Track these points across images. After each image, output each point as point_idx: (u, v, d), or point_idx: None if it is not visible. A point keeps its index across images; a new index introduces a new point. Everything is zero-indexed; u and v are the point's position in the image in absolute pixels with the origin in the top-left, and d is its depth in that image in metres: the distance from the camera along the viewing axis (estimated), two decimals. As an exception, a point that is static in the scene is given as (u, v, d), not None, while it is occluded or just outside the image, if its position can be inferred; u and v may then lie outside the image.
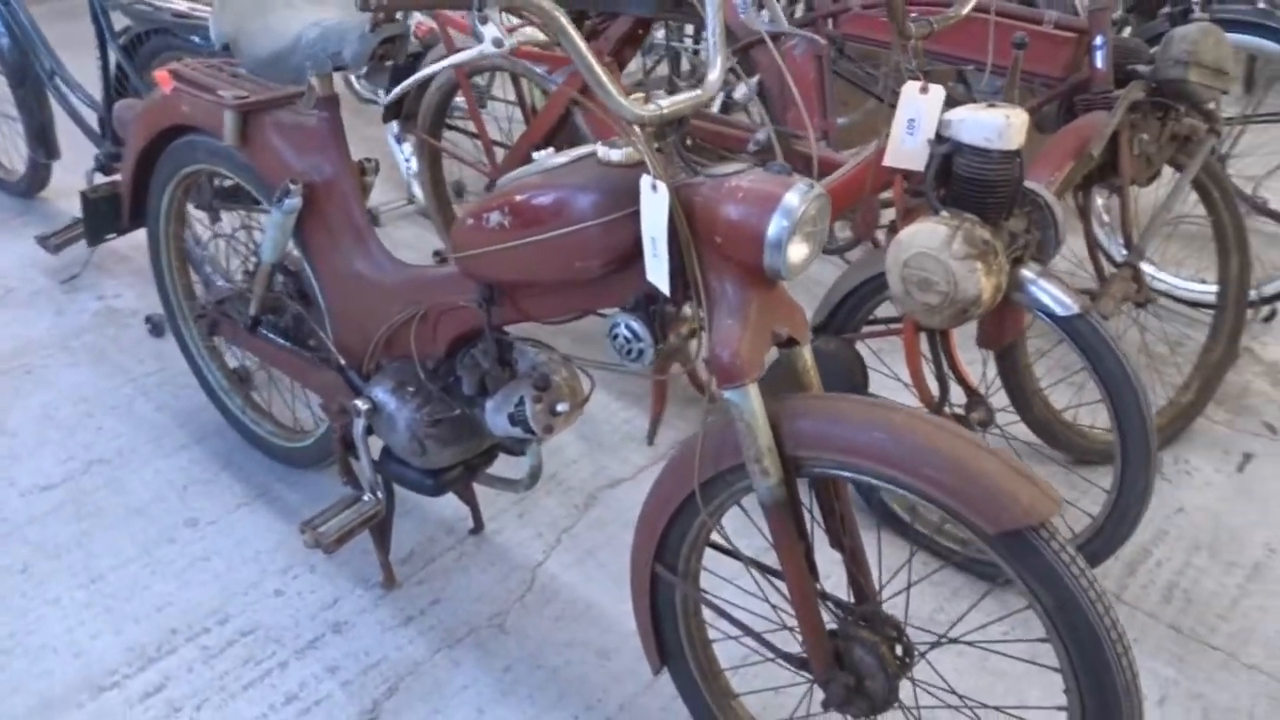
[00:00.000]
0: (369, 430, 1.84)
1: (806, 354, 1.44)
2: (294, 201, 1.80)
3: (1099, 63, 2.28)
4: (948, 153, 1.73)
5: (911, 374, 1.99)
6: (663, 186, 1.28)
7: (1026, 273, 1.83)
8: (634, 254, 1.38)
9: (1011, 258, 1.81)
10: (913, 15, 1.82)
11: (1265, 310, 3.00)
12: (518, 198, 1.44)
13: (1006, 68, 2.45)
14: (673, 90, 4.32)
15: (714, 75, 1.38)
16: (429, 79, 2.55)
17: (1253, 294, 2.85)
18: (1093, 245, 2.39)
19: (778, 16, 1.61)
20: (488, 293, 1.60)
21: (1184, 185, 2.34)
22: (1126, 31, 2.94)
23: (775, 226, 1.25)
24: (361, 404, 1.80)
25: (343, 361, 1.90)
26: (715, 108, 2.97)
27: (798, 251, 1.28)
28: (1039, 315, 1.84)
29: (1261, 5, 2.67)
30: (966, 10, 1.82)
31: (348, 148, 1.82)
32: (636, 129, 1.28)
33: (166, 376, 2.66)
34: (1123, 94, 2.21)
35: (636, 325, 1.43)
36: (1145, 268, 3.07)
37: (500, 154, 2.85)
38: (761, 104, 2.79)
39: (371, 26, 1.62)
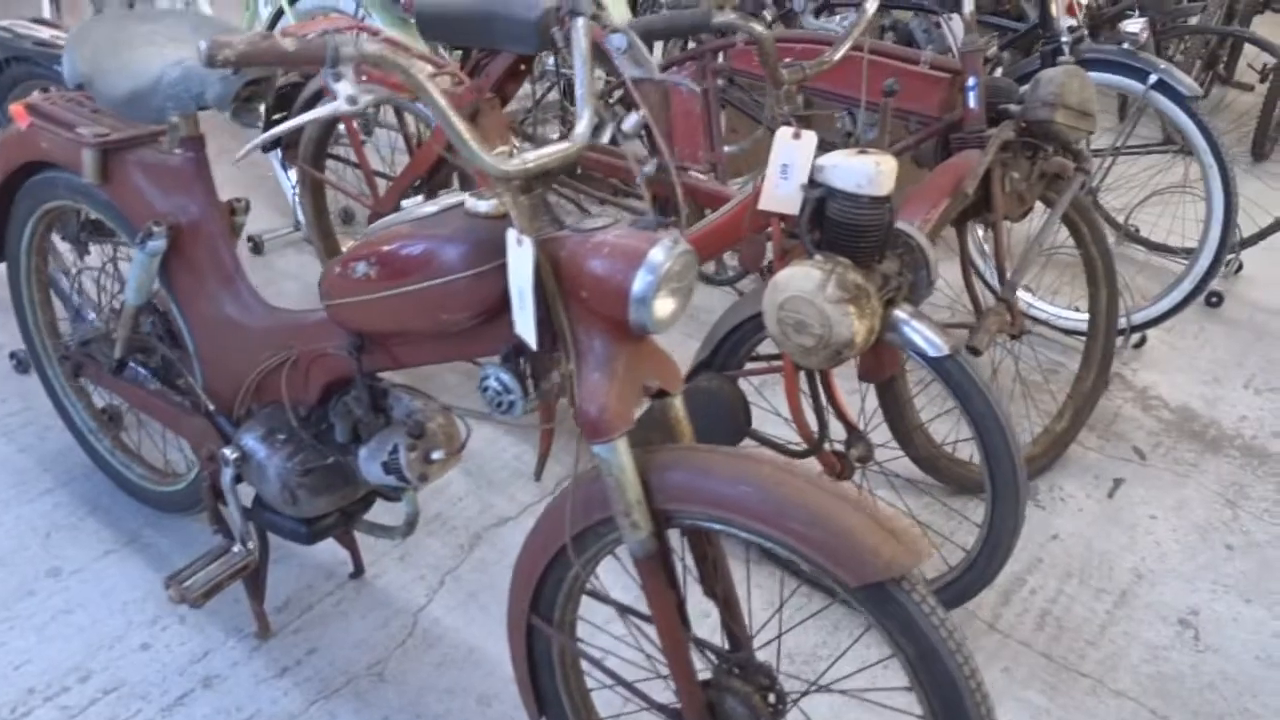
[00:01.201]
0: (238, 479, 1.79)
1: (678, 404, 1.45)
2: (157, 244, 1.74)
3: (972, 103, 2.34)
4: (821, 197, 1.76)
5: (792, 411, 2.01)
6: (528, 241, 1.27)
7: (899, 313, 1.86)
8: (503, 306, 1.36)
9: (884, 299, 1.84)
10: (786, 62, 1.84)
11: (1135, 337, 3.12)
12: (384, 248, 1.42)
13: (874, 102, 2.51)
14: (564, 118, 4.31)
15: (582, 126, 1.38)
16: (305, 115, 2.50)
17: (1123, 321, 2.97)
18: (969, 279, 2.45)
19: (646, 63, 1.61)
20: (358, 340, 1.57)
21: (1054, 221, 2.41)
22: (999, 70, 3.04)
23: (640, 282, 1.25)
24: (230, 452, 1.74)
25: (212, 407, 1.84)
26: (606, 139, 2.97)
27: (664, 306, 1.28)
28: (911, 355, 1.88)
29: (1125, 46, 2.78)
30: (839, 56, 1.85)
31: (214, 188, 1.77)
32: (502, 183, 1.27)
33: (31, 416, 2.55)
34: (994, 133, 2.28)
35: (506, 378, 1.41)
36: (1022, 296, 3.17)
37: (384, 185, 2.80)
38: (647, 138, 2.80)
39: (235, 70, 1.57)
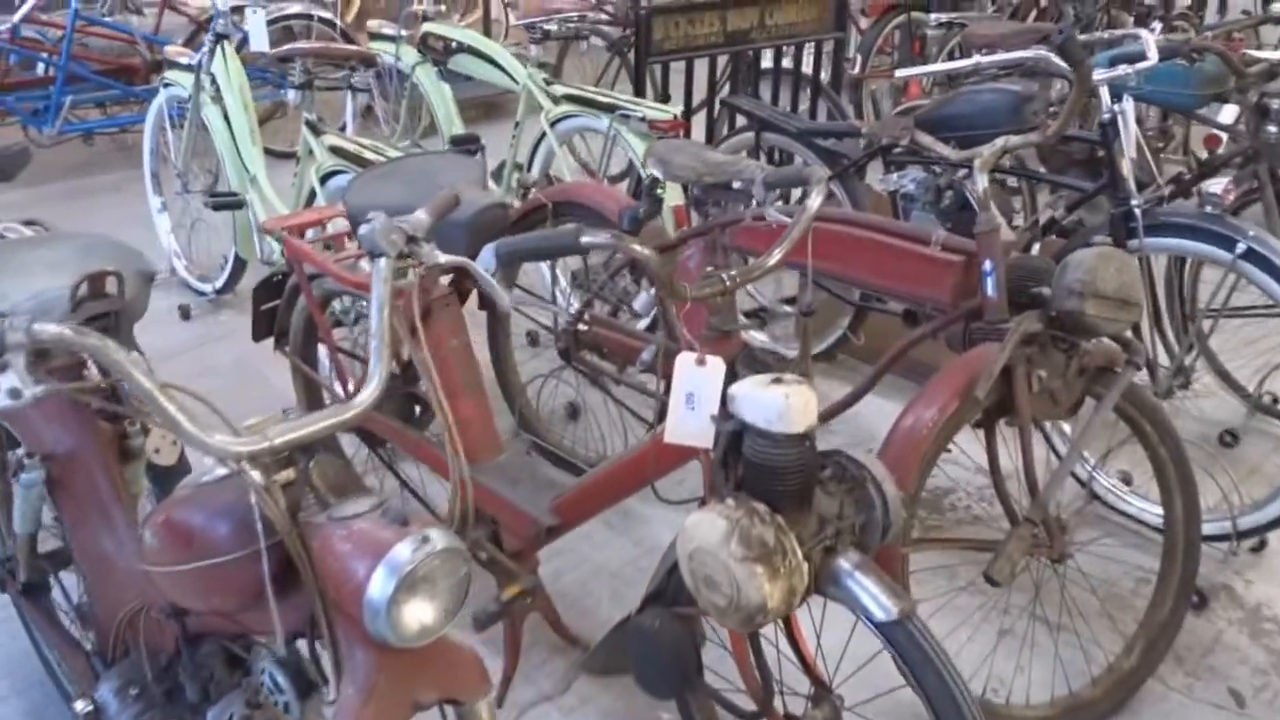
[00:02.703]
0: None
1: (484, 711, 1.20)
2: (31, 476, 1.65)
3: (990, 290, 2.03)
4: (736, 430, 1.51)
5: (738, 664, 1.72)
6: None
7: (843, 563, 1.55)
8: (278, 590, 1.18)
9: (822, 546, 1.54)
10: (709, 271, 1.61)
11: (1252, 541, 2.62)
12: (159, 518, 1.26)
13: (882, 287, 2.22)
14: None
15: (369, 392, 1.17)
16: (292, 297, 2.44)
17: (1227, 525, 2.51)
18: (1002, 489, 2.08)
19: (495, 292, 1.42)
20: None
21: (1097, 423, 2.05)
22: (1038, 248, 2.68)
23: (377, 586, 1.04)
24: (82, 705, 1.60)
25: (89, 646, 1.72)
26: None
27: (415, 615, 1.06)
28: (860, 618, 1.56)
29: (1208, 209, 2.39)
30: (776, 260, 1.60)
31: (94, 419, 1.68)
32: (245, 464, 1.10)
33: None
34: (1012, 327, 1.96)
35: (279, 675, 1.21)
36: (1108, 485, 2.74)
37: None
38: (661, 316, 2.60)
39: (73, 305, 1.49)
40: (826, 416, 2.39)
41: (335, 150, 2.94)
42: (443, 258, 1.31)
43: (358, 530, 1.08)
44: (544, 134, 3.51)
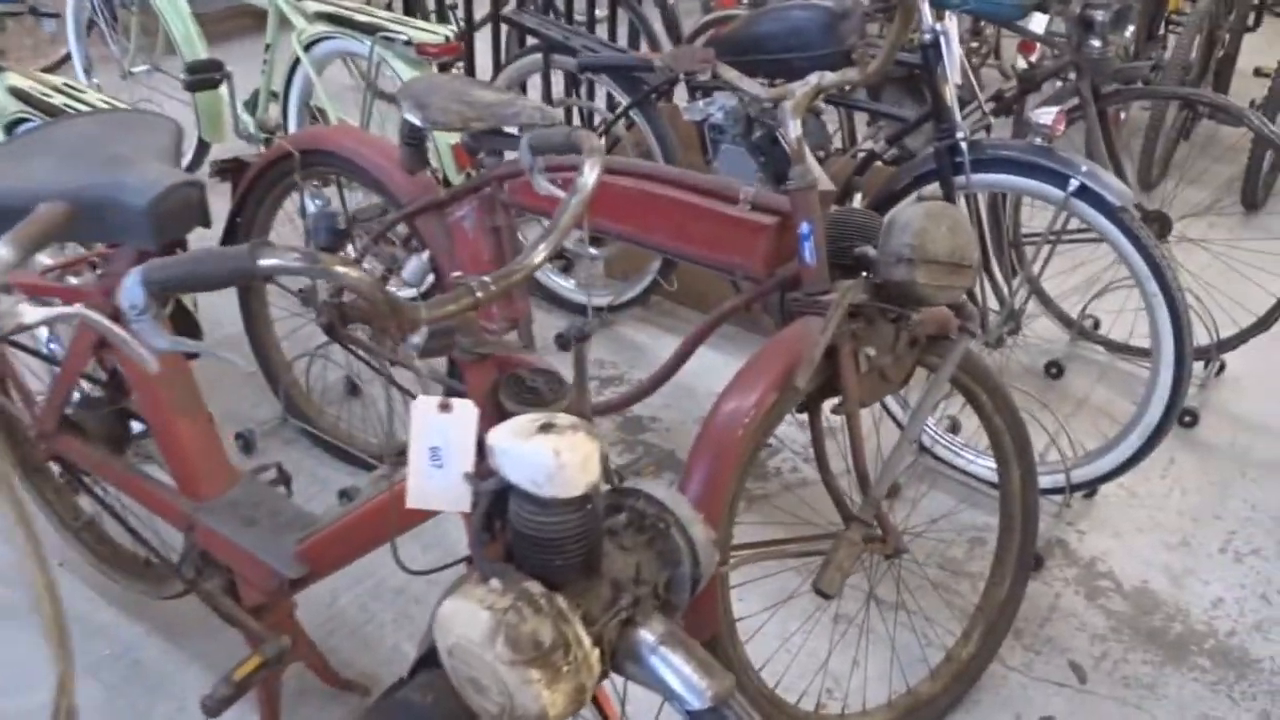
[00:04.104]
0: None
1: None
2: None
3: (808, 257, 1.74)
4: (498, 490, 1.17)
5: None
6: None
7: (645, 636, 1.24)
8: None
9: (618, 620, 1.24)
10: (457, 276, 1.24)
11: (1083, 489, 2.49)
12: None
13: (683, 252, 1.92)
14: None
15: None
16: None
17: (1061, 479, 2.36)
18: (831, 482, 1.83)
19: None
20: None
21: (934, 395, 1.81)
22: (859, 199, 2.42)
23: None
24: None
25: None
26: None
27: None
28: (669, 701, 1.28)
29: (1037, 140, 2.16)
30: (540, 260, 1.25)
31: None
32: None
33: None
34: (835, 300, 1.68)
35: None
36: (940, 438, 2.55)
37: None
38: (435, 282, 2.21)
39: None
40: (629, 401, 2.08)
41: (17, 93, 2.38)
42: (37, 315, 0.90)
43: None
44: (298, 59, 3.00)
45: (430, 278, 2.23)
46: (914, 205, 1.69)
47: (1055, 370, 2.95)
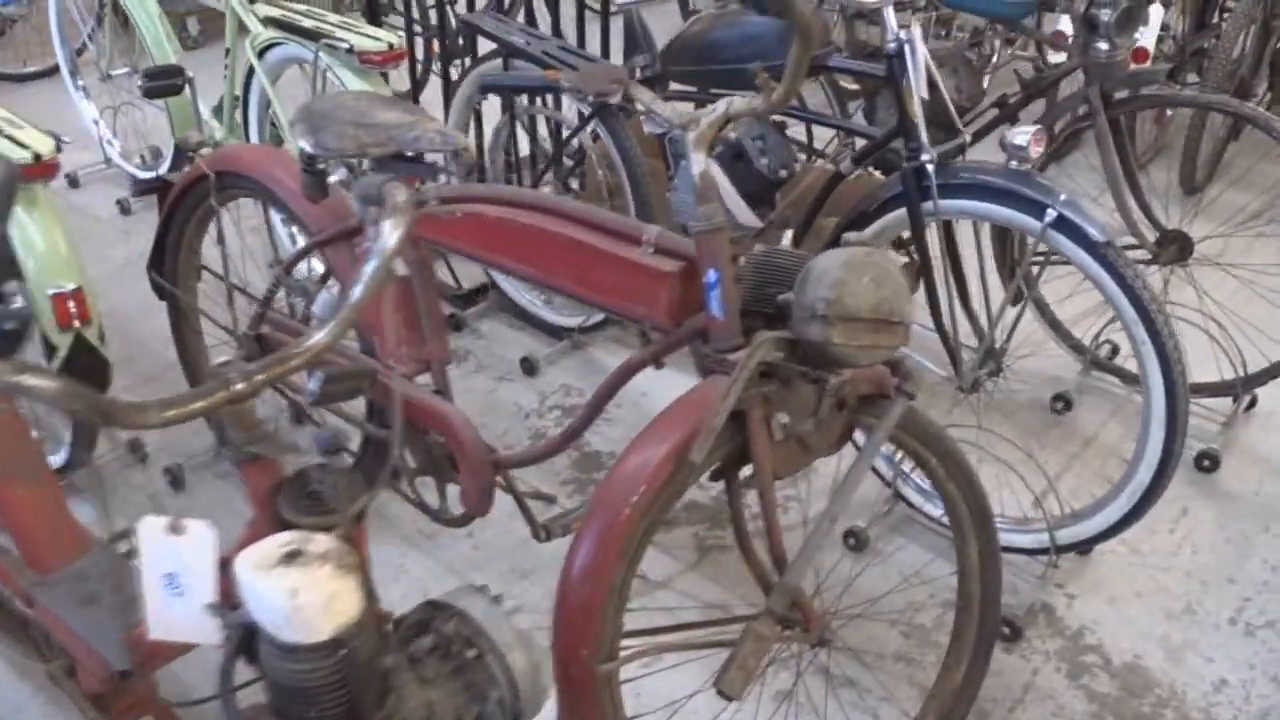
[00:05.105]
0: None
1: None
2: None
3: (715, 309, 1.52)
4: (248, 627, 0.99)
5: None
6: None
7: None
8: None
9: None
10: (217, 365, 1.06)
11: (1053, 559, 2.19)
12: None
13: (588, 299, 1.72)
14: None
15: None
16: None
17: (1045, 538, 2.11)
18: (750, 553, 1.62)
19: None
20: None
21: (861, 471, 1.57)
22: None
23: None
24: None
25: None
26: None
27: None
28: None
29: (1013, 164, 1.90)
30: (323, 344, 1.05)
31: None
32: None
33: None
34: (742, 359, 1.46)
35: None
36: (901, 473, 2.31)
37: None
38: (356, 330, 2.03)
39: None
40: (538, 458, 1.88)
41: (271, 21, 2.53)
42: None
43: None
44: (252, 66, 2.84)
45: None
46: (834, 253, 1.46)
47: (1062, 404, 2.68)
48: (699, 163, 1.50)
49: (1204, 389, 2.61)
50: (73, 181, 3.78)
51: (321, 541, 0.96)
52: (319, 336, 1.07)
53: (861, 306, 1.43)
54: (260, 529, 1.07)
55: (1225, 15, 4.04)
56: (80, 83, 3.88)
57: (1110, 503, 2.01)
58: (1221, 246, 3.10)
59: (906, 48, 1.94)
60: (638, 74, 2.53)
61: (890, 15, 1.94)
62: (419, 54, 3.22)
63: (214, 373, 1.05)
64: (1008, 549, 2.18)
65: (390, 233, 1.10)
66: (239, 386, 1.02)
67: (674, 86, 2.49)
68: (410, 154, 1.86)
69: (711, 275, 1.51)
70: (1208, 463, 2.49)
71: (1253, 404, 2.69)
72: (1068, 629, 2.10)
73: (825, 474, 1.96)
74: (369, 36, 2.53)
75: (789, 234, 2.22)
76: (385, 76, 2.68)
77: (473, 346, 2.97)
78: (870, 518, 2.31)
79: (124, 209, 3.62)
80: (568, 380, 2.82)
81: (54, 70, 4.08)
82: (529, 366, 2.83)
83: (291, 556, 0.94)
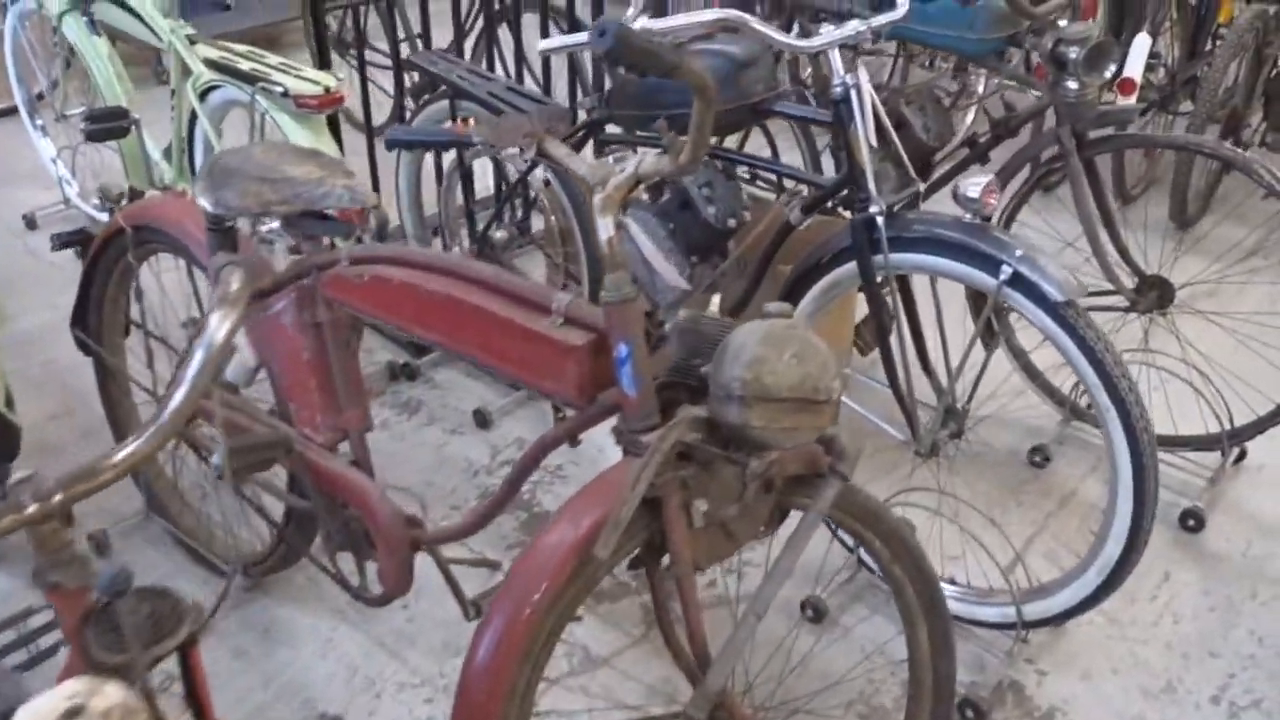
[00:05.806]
0: None
1: None
2: None
3: (627, 385, 1.39)
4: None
5: None
6: None
7: None
8: None
9: None
10: (21, 478, 0.94)
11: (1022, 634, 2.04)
12: None
13: (499, 370, 1.59)
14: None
15: None
16: None
17: (1012, 611, 1.97)
18: (679, 653, 1.48)
19: None
20: None
21: (790, 560, 1.44)
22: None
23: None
24: None
25: None
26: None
27: None
28: None
29: (967, 217, 1.77)
30: (150, 447, 0.94)
31: None
32: None
33: None
34: (654, 442, 1.33)
35: None
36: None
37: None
38: (274, 391, 1.92)
39: None
40: (448, 538, 1.75)
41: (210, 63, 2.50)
42: None
43: None
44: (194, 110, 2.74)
45: (261, 375, 1.94)
46: (752, 326, 1.33)
47: (1040, 458, 2.54)
48: (606, 227, 1.37)
49: (1189, 442, 2.48)
50: (30, 223, 3.67)
51: (111, 693, 0.84)
52: (132, 446, 0.95)
53: (782, 386, 1.30)
54: (74, 667, 0.95)
55: (1217, 43, 3.91)
56: (39, 121, 3.80)
57: (1078, 577, 1.87)
58: (1211, 289, 2.96)
59: (853, 92, 1.81)
60: (588, 115, 2.43)
61: (836, 58, 1.82)
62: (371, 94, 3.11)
63: (14, 488, 0.93)
64: (973, 622, 2.06)
65: (218, 325, 0.98)
66: (30, 510, 0.90)
67: (613, 130, 2.38)
68: (325, 211, 1.76)
69: (622, 349, 1.38)
70: (1192, 522, 2.34)
71: (1241, 456, 2.54)
72: (1037, 709, 1.96)
73: (784, 534, 1.83)
74: (307, 80, 2.43)
75: (716, 299, 2.09)
76: (335, 120, 2.57)
77: (425, 397, 2.84)
78: (830, 586, 2.17)
79: (79, 253, 3.51)
80: (521, 433, 2.70)
81: (14, 110, 4.00)
82: (481, 419, 2.71)
83: (71, 715, 0.82)
